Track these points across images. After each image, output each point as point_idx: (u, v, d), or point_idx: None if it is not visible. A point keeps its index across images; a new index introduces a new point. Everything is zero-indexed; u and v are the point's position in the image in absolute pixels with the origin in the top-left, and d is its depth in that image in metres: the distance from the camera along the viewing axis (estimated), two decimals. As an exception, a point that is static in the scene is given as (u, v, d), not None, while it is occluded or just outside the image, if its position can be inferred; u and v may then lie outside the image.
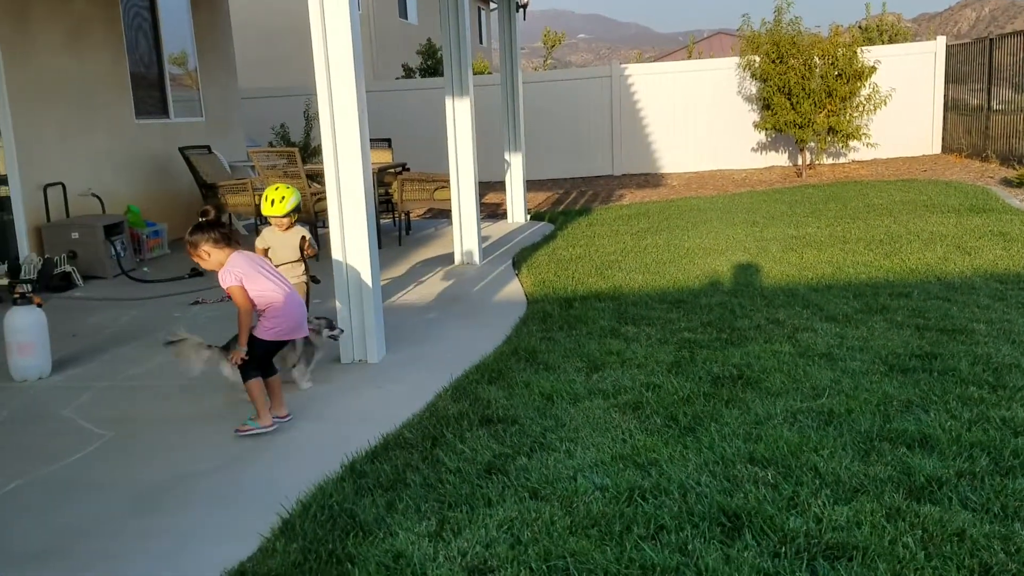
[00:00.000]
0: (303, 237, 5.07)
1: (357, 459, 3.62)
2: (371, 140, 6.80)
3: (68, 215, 8.61)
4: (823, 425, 3.69)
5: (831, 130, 13.78)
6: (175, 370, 5.07)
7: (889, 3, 22.58)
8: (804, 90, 13.57)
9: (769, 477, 3.19)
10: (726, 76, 15.30)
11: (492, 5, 23.06)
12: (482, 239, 8.49)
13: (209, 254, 3.98)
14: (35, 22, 8.45)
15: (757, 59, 14.18)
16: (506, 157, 10.84)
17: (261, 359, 4.11)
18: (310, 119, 15.49)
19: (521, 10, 13.04)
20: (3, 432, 4.37)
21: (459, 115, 8.03)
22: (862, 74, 13.54)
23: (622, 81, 15.72)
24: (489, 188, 14.06)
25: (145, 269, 8.67)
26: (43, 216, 8.34)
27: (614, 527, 2.88)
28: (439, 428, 3.90)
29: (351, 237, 5.02)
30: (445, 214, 10.86)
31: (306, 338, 4.60)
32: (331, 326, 4.87)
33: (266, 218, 5.11)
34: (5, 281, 7.41)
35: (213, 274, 4.06)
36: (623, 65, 16.08)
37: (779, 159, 15.49)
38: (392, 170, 10.00)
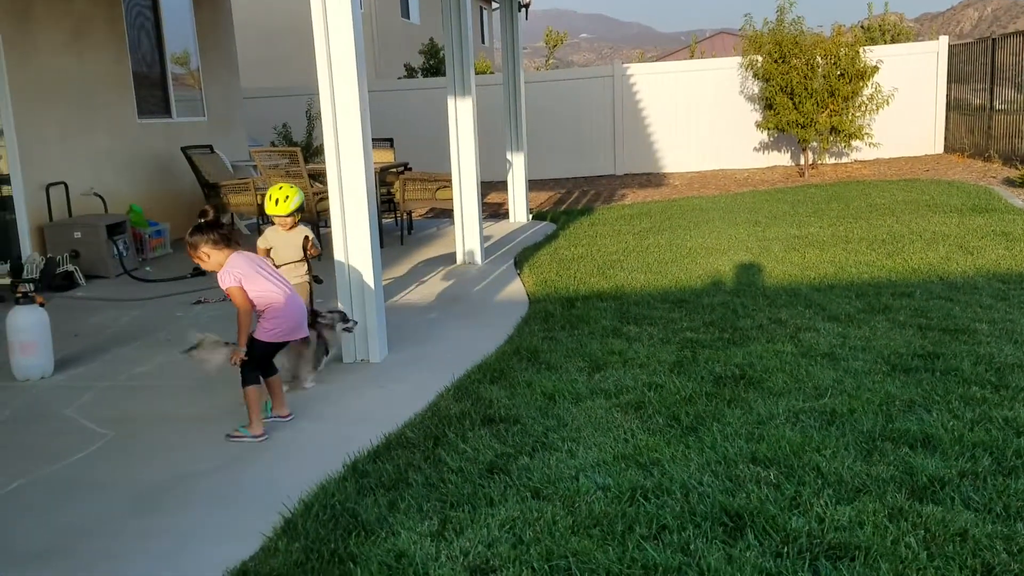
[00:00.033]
0: (306, 237, 5.05)
1: (359, 459, 3.62)
2: (373, 140, 6.77)
3: (70, 215, 8.62)
4: (825, 425, 3.68)
5: (833, 130, 13.76)
6: (176, 370, 5.09)
7: (891, 3, 22.53)
8: (806, 90, 13.56)
9: (771, 477, 3.18)
10: (728, 76, 15.28)
11: (494, 5, 23.06)
12: (484, 239, 8.49)
13: (209, 255, 3.97)
14: (37, 22, 8.46)
15: (759, 59, 14.16)
16: (508, 157, 10.83)
17: (260, 360, 4.11)
18: (312, 119, 15.49)
19: (523, 10, 13.05)
20: (6, 431, 4.38)
21: (461, 115, 8.03)
22: (864, 74, 13.52)
23: (624, 81, 15.71)
24: (491, 188, 14.05)
25: (147, 269, 8.68)
26: (45, 215, 8.35)
27: (616, 527, 2.88)
28: (441, 428, 3.90)
29: (353, 237, 5.02)
30: (447, 214, 10.85)
31: (319, 334, 4.61)
32: (345, 319, 4.88)
33: (269, 218, 5.10)
34: (8, 280, 7.43)
35: (215, 274, 4.06)
36: (625, 65, 16.07)
37: (781, 159, 15.47)
38: (394, 170, 10.01)
